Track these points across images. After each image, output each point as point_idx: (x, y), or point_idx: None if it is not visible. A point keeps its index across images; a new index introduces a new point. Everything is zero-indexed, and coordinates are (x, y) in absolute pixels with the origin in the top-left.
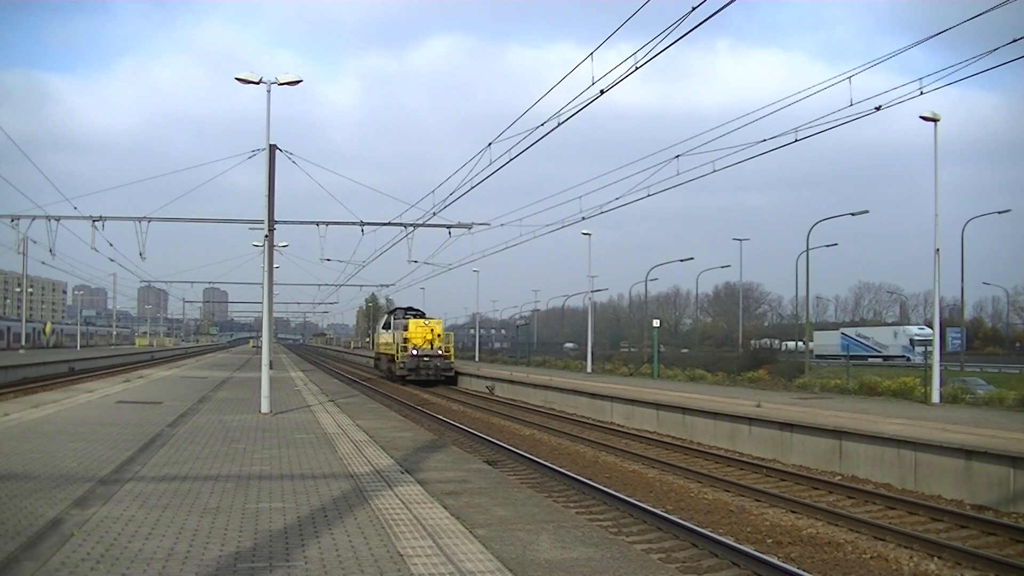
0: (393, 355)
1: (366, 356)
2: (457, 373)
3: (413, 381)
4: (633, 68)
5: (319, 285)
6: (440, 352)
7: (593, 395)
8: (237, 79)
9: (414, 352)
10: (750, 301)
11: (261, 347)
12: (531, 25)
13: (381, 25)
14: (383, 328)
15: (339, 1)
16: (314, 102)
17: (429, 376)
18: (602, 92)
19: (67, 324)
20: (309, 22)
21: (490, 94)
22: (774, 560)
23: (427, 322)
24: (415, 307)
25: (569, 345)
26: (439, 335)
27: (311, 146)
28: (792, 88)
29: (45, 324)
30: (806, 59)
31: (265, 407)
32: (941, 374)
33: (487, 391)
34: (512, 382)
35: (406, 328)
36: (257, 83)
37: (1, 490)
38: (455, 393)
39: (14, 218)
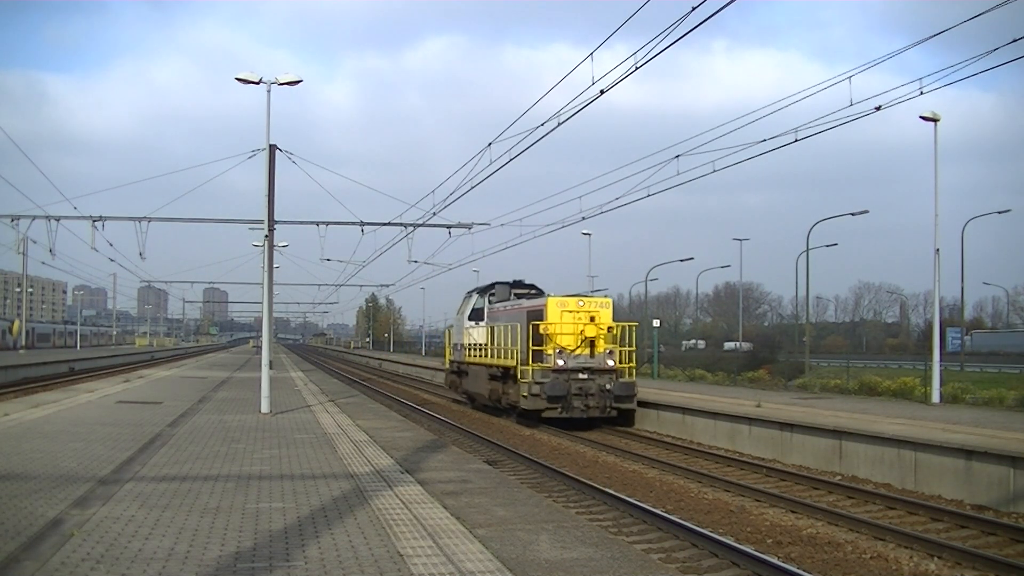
0: (507, 369)
1: (366, 356)
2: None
3: (557, 420)
4: (633, 68)
5: (319, 285)
6: (610, 363)
7: None
8: (237, 79)
9: (561, 363)
10: (750, 301)
11: (261, 347)
12: (527, 26)
13: (377, 26)
14: (471, 319)
15: (335, 2)
16: (311, 102)
17: (589, 411)
18: (602, 92)
19: (40, 323)
20: (305, 23)
21: (487, 94)
22: (774, 560)
23: (582, 302)
24: (523, 280)
25: None
26: (610, 328)
27: (309, 146)
28: (788, 88)
29: (12, 322)
30: (802, 59)
31: (265, 407)
32: (941, 374)
33: None
34: None
35: (539, 315)
36: (257, 83)
37: (1, 490)
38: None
39: (14, 218)
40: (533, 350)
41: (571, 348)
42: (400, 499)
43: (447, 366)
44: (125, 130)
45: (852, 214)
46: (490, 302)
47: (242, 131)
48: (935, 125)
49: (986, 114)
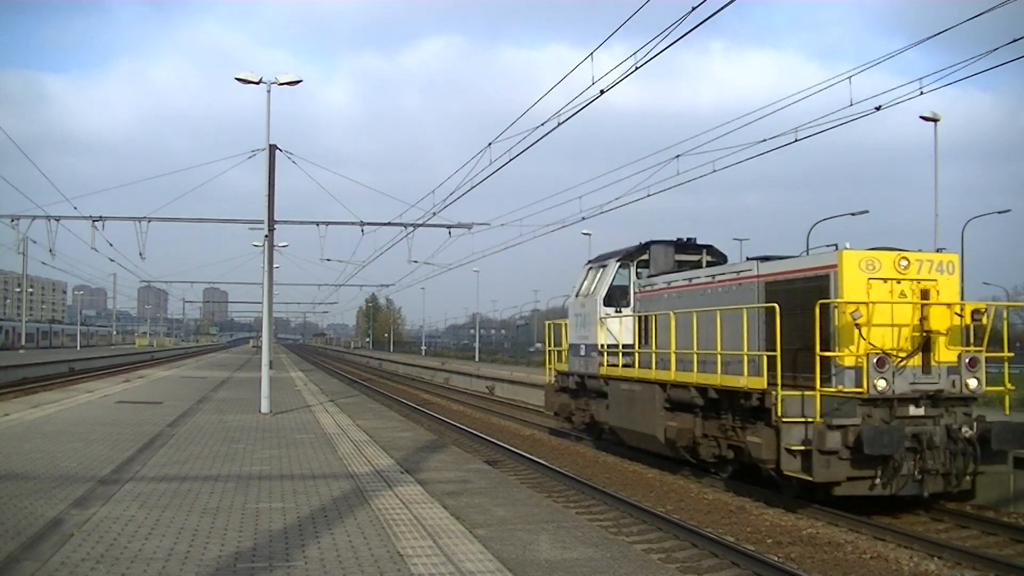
0: (730, 394)
1: (366, 356)
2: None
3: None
4: (633, 68)
5: (319, 285)
6: (973, 384)
7: None
8: (237, 79)
9: (882, 384)
10: None
11: (261, 347)
12: (525, 26)
13: (375, 26)
14: (608, 305)
15: (334, 2)
16: (311, 102)
17: (927, 483)
18: (602, 92)
19: (21, 321)
20: (304, 23)
21: (486, 94)
22: (774, 560)
23: (906, 260)
24: (693, 239)
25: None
26: (975, 313)
27: (309, 146)
28: (786, 88)
29: None
30: (800, 60)
31: (265, 407)
32: None
33: (487, 391)
34: (512, 382)
35: (814, 288)
36: (257, 83)
37: (1, 490)
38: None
39: (14, 218)
40: (821, 357)
41: (895, 354)
42: (400, 499)
43: (549, 380)
44: (125, 130)
45: (852, 214)
46: (639, 276)
47: (242, 131)
48: (935, 125)
49: (985, 114)
